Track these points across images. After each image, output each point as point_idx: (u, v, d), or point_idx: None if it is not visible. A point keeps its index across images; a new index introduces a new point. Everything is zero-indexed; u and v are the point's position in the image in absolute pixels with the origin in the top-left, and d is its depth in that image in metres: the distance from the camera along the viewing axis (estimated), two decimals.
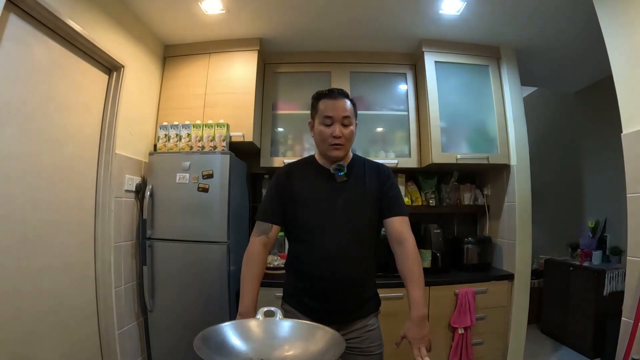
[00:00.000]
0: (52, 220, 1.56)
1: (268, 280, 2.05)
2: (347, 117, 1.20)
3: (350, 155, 1.31)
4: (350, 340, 1.18)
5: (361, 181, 1.24)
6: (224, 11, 2.05)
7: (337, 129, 1.19)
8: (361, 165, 1.29)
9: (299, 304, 1.23)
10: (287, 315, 1.20)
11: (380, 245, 1.29)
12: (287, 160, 2.32)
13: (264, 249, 1.23)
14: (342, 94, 1.23)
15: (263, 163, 2.44)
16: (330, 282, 1.17)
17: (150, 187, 2.03)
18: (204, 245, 1.99)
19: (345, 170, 1.22)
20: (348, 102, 1.23)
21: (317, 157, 1.31)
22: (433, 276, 2.13)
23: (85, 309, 1.76)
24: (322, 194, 1.22)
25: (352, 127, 1.23)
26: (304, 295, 1.22)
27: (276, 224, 1.25)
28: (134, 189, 2.07)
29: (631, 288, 1.39)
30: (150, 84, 2.27)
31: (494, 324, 2.18)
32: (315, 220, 1.20)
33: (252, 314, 1.08)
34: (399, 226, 1.20)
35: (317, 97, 1.26)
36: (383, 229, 1.27)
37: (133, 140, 2.07)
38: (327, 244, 1.18)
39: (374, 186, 1.24)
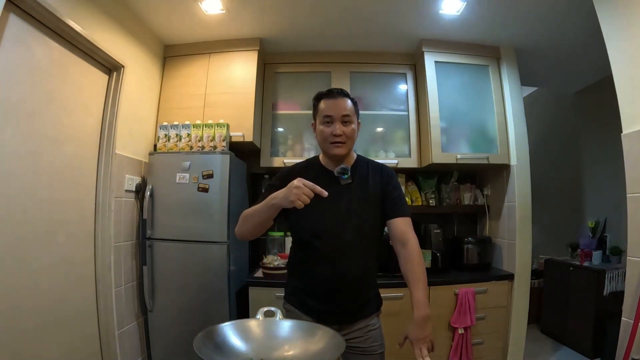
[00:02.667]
0: (52, 220, 1.56)
1: (268, 280, 2.06)
2: (346, 115, 1.20)
3: (354, 156, 1.30)
4: (352, 340, 1.18)
5: (365, 182, 1.24)
6: (224, 11, 2.05)
7: (337, 128, 1.18)
8: (365, 166, 1.28)
9: (300, 303, 1.23)
10: (289, 315, 1.21)
11: (380, 245, 1.29)
12: (287, 160, 2.35)
13: None
14: (342, 93, 1.23)
15: (263, 163, 2.44)
16: (334, 282, 1.17)
17: (150, 187, 2.03)
18: (204, 245, 1.99)
19: (349, 173, 1.21)
20: (348, 101, 1.22)
21: (321, 158, 1.30)
22: (433, 276, 2.12)
23: (85, 308, 1.76)
24: (327, 196, 1.21)
25: (353, 126, 1.22)
26: (306, 295, 1.22)
27: None
28: (134, 189, 2.07)
29: (631, 288, 1.40)
30: (150, 84, 2.27)
31: (494, 324, 2.18)
32: (320, 223, 1.20)
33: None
34: (402, 227, 1.19)
35: (318, 98, 1.25)
36: (384, 229, 1.27)
37: (133, 140, 2.07)
38: (331, 245, 1.18)
39: (378, 187, 1.24)
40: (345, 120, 1.20)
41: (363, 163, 1.29)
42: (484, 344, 2.16)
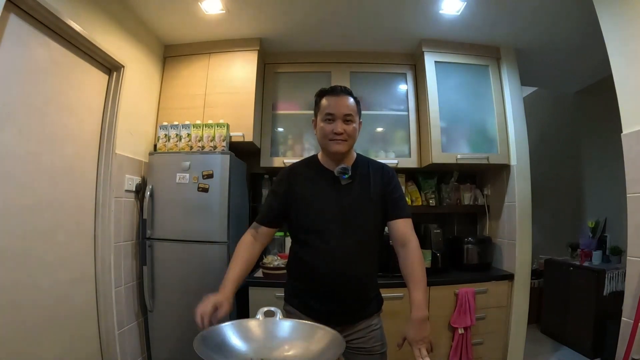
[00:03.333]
0: (51, 220, 1.56)
1: (268, 280, 2.06)
2: (348, 114, 1.18)
3: (354, 155, 1.29)
4: (354, 341, 1.19)
5: (366, 182, 1.23)
6: (224, 11, 2.05)
7: (338, 126, 1.17)
8: (365, 165, 1.27)
9: (302, 305, 1.23)
10: (289, 316, 1.20)
11: (380, 245, 1.29)
12: (287, 160, 2.35)
13: (253, 239, 1.25)
14: (345, 91, 1.21)
15: (263, 163, 2.44)
16: (335, 283, 1.17)
17: (150, 187, 2.03)
18: (204, 245, 1.99)
19: (350, 173, 1.21)
20: (351, 100, 1.21)
21: (320, 157, 1.29)
22: (433, 276, 2.13)
23: (85, 308, 1.76)
24: (327, 196, 1.21)
25: (354, 125, 1.20)
26: (307, 296, 1.22)
27: (272, 227, 1.27)
28: (134, 189, 2.07)
29: (631, 288, 1.40)
30: (150, 84, 2.27)
31: (494, 324, 2.18)
32: (321, 223, 1.19)
33: (227, 305, 1.06)
34: (403, 228, 1.19)
35: (320, 94, 1.24)
36: (385, 228, 1.27)
37: (133, 140, 2.07)
38: (333, 245, 1.17)
39: (379, 187, 1.23)
40: (347, 119, 1.19)
41: (363, 162, 1.28)
42: (484, 344, 2.16)
